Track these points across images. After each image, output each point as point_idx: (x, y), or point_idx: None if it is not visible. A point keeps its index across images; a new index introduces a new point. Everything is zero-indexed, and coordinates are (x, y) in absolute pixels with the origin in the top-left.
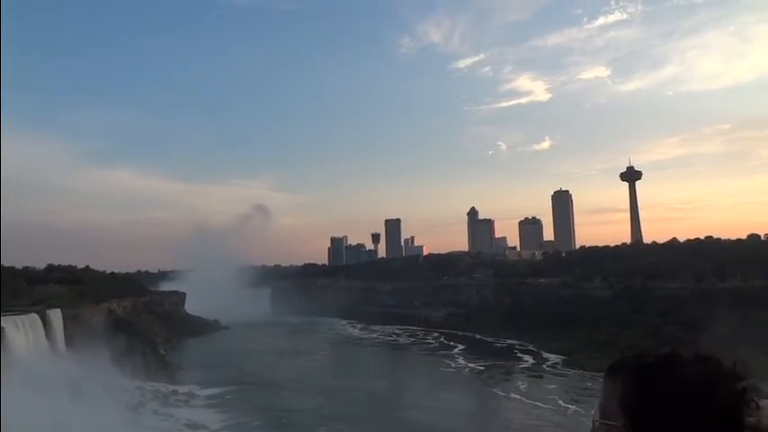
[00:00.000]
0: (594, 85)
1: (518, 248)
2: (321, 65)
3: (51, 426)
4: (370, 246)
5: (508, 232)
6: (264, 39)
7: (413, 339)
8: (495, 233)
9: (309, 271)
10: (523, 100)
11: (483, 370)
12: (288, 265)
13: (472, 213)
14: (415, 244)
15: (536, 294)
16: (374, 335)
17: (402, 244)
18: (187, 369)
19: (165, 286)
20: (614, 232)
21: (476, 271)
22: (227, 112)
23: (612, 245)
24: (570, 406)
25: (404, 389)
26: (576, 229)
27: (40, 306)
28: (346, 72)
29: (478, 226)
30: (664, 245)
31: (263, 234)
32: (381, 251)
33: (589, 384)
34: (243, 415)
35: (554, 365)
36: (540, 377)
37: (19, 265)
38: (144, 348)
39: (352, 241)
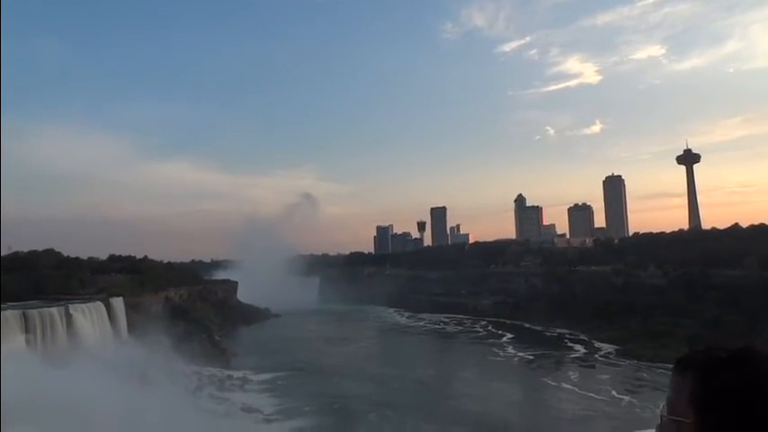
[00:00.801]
0: (648, 64)
1: (567, 236)
2: (363, 53)
3: (120, 406)
4: (415, 234)
5: (557, 219)
6: (307, 29)
7: (460, 328)
8: (544, 220)
9: (356, 259)
10: (572, 83)
11: (532, 359)
12: (335, 254)
13: (519, 200)
14: (461, 232)
15: (587, 282)
16: (421, 323)
17: (448, 232)
18: (241, 355)
19: (218, 275)
20: (670, 218)
21: (524, 259)
22: (274, 103)
23: (668, 231)
24: (625, 397)
25: (452, 377)
26: (629, 215)
27: (103, 294)
28: (389, 59)
29: (526, 213)
30: (724, 230)
31: (310, 223)
32: (427, 239)
33: (644, 375)
34: (294, 400)
35: (607, 355)
36: (593, 367)
37: (84, 255)
38: (200, 335)
39: (398, 230)
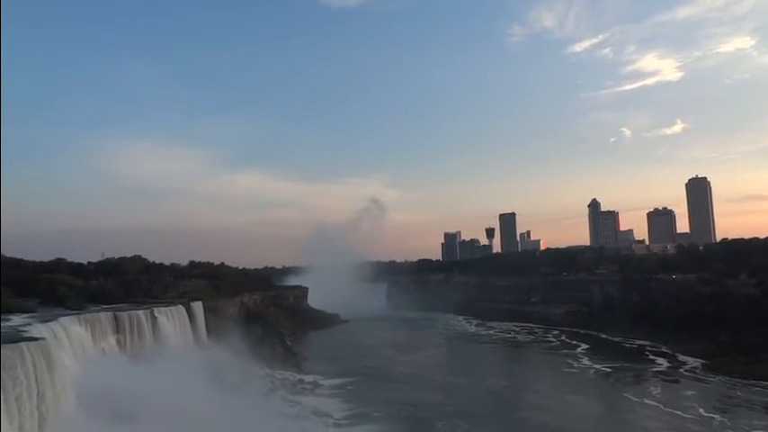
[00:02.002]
0: (736, 58)
1: (647, 242)
2: (429, 62)
3: (199, 404)
4: (484, 240)
5: (635, 225)
6: (373, 40)
7: (532, 337)
8: (620, 226)
9: (424, 266)
10: (649, 81)
11: (610, 372)
12: (402, 260)
13: (593, 205)
14: (532, 238)
15: (669, 292)
16: (491, 331)
17: (517, 239)
18: (311, 360)
19: (289, 281)
20: (763, 222)
21: (599, 266)
22: (342, 114)
23: (762, 236)
24: (715, 416)
25: (525, 389)
26: (716, 219)
27: (184, 298)
28: (455, 67)
29: (601, 218)
30: None
31: (377, 230)
32: (496, 246)
33: (737, 393)
34: (364, 405)
35: (692, 370)
36: (677, 382)
37: (167, 262)
38: (272, 339)
39: (466, 236)
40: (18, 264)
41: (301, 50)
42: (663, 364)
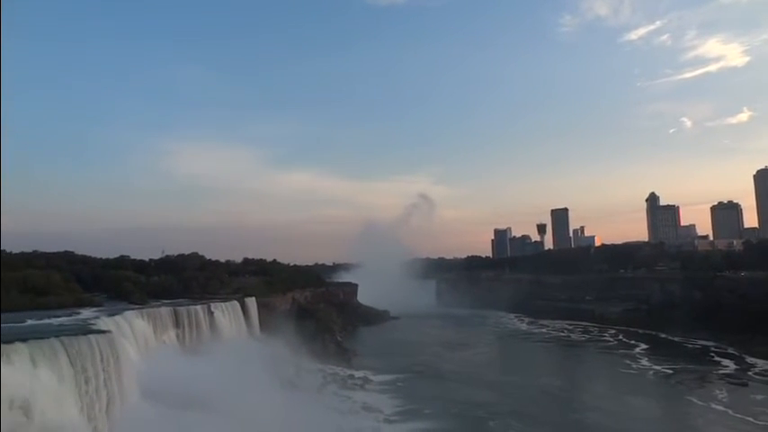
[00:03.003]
0: None
1: (710, 237)
2: (477, 56)
3: (253, 396)
4: (535, 237)
5: (697, 219)
6: (422, 36)
7: (587, 336)
8: (681, 221)
9: (473, 263)
10: (712, 67)
11: (671, 374)
12: (451, 257)
13: (652, 199)
14: (586, 234)
15: (736, 290)
16: (543, 330)
17: (570, 234)
18: (361, 355)
19: (339, 278)
20: None
21: (658, 263)
22: (391, 112)
23: None
24: None
25: (580, 389)
26: None
27: (239, 294)
28: (504, 60)
29: (660, 213)
30: None
31: (426, 226)
32: (548, 243)
33: None
34: (413, 402)
35: (763, 373)
36: (746, 386)
37: (222, 259)
38: (323, 335)
39: (517, 233)
40: (86, 260)
41: (351, 49)
42: (729, 366)
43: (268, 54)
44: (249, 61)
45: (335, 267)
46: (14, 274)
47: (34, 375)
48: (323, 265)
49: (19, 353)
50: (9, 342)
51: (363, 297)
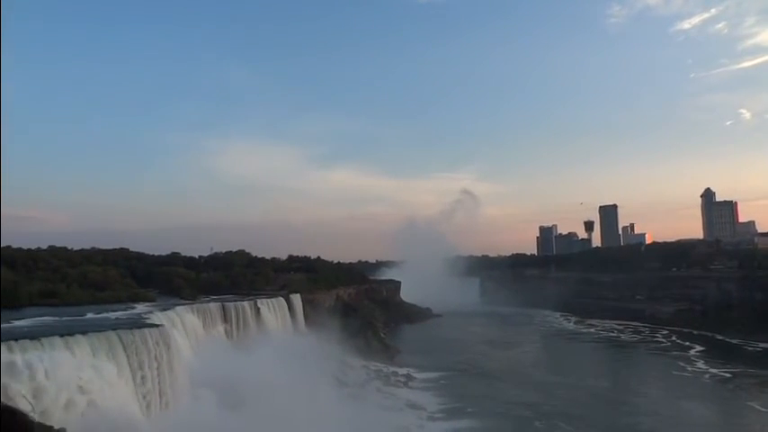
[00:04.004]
0: None
1: None
2: (522, 50)
3: (298, 390)
4: (582, 234)
5: (757, 216)
6: (464, 32)
7: (637, 337)
8: (739, 217)
9: (518, 261)
10: None
11: (730, 378)
12: (495, 255)
13: (707, 195)
14: (636, 232)
15: None
16: (591, 329)
17: (619, 232)
18: (404, 353)
19: (382, 275)
20: None
21: (713, 261)
22: (433, 108)
23: None
24: None
25: (630, 391)
26: None
27: (284, 291)
28: (550, 54)
29: (716, 209)
30: None
31: (470, 223)
32: (596, 240)
33: None
34: (457, 400)
35: None
36: None
37: (268, 256)
38: (366, 331)
39: (563, 230)
40: (141, 257)
41: (393, 47)
42: None
43: (311, 54)
44: (293, 61)
45: (378, 265)
46: (75, 270)
47: (94, 365)
48: (366, 262)
49: (80, 344)
50: (71, 334)
51: (406, 294)
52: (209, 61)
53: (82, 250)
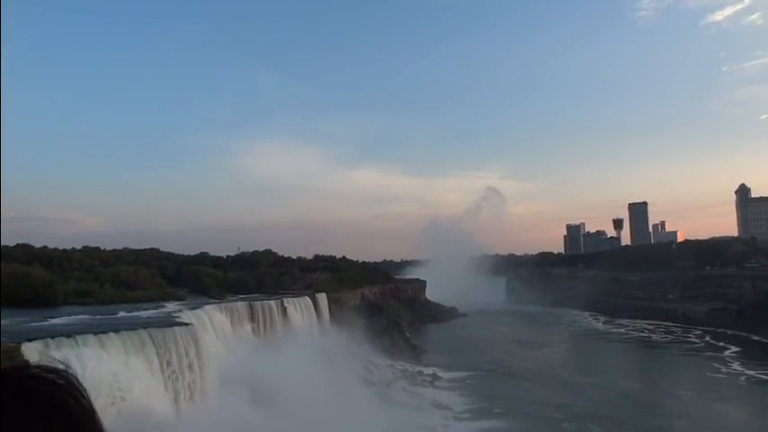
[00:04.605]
0: None
1: None
2: (547, 46)
3: (324, 389)
4: (611, 232)
5: None
6: (487, 27)
7: (669, 337)
8: None
9: (545, 260)
10: None
11: (767, 380)
12: (521, 254)
13: (742, 191)
14: (667, 229)
15: None
16: (621, 329)
17: (650, 230)
18: (430, 352)
19: (407, 274)
20: None
21: (749, 259)
22: (457, 106)
23: None
24: None
25: (663, 393)
26: None
27: (310, 290)
28: (576, 49)
29: (751, 206)
30: None
31: (496, 221)
32: (625, 238)
33: None
34: (484, 400)
35: None
36: None
37: (294, 255)
38: (392, 331)
39: (591, 228)
40: (170, 257)
41: (415, 45)
42: None
43: (334, 53)
44: (316, 61)
45: (403, 264)
46: (108, 269)
47: (126, 363)
48: (390, 261)
49: (113, 343)
50: (104, 332)
51: (431, 293)
52: (238, 63)
53: (114, 250)
